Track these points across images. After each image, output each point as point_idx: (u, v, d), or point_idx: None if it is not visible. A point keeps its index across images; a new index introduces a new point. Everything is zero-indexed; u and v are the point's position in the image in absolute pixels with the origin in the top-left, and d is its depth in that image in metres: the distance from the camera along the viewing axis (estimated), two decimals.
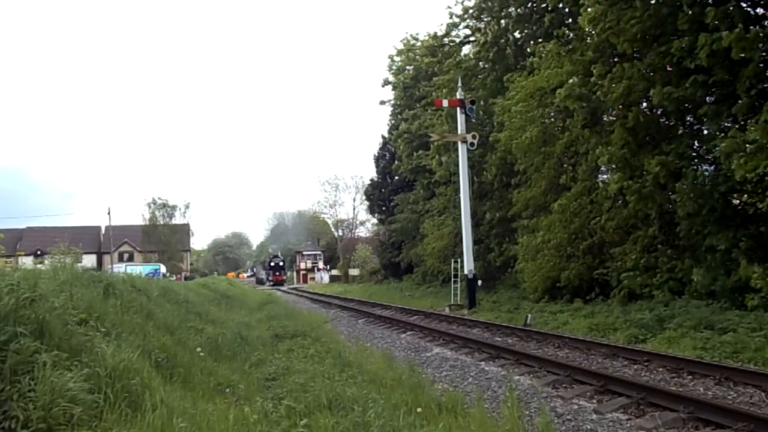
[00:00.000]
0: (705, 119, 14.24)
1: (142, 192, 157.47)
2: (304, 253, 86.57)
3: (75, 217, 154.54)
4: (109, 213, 61.30)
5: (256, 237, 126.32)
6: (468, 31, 30.49)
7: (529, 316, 15.70)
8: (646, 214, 15.96)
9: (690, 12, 13.67)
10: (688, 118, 15.58)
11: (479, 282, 23.16)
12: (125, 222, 70.78)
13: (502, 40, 24.34)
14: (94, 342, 5.62)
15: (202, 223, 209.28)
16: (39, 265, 11.47)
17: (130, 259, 67.80)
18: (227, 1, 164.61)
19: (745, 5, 13.15)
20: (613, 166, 16.87)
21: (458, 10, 29.62)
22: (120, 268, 40.38)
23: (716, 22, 12.55)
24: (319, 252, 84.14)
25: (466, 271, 21.85)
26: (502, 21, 24.50)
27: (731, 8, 12.55)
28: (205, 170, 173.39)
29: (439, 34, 32.04)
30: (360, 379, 7.49)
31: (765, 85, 12.71)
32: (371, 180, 53.76)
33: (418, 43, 38.29)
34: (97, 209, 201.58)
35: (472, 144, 22.59)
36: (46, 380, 4.37)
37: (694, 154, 15.46)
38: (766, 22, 13.33)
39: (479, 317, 18.06)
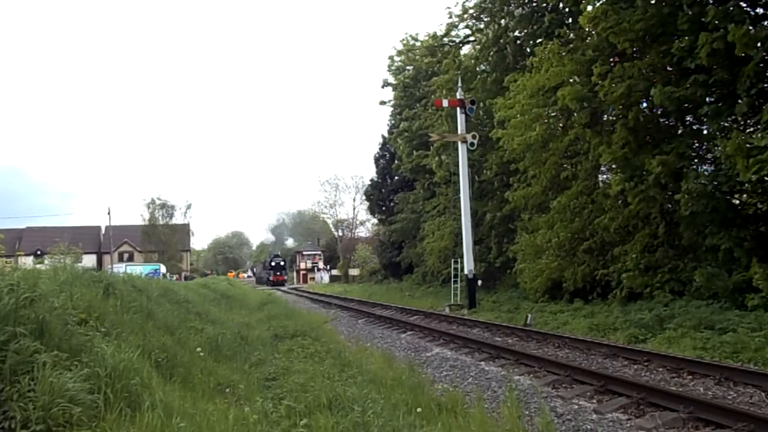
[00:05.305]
0: (705, 119, 14.24)
1: (142, 192, 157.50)
2: (304, 253, 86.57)
3: (75, 217, 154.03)
4: (109, 213, 61.49)
5: (256, 237, 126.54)
6: (468, 31, 30.55)
7: (529, 316, 15.70)
8: (647, 213, 15.95)
9: (690, 12, 13.68)
10: (688, 118, 15.58)
11: (479, 282, 23.16)
12: (125, 222, 70.94)
13: (502, 40, 24.33)
14: (94, 342, 5.61)
15: (202, 222, 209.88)
16: (39, 265, 11.42)
17: (130, 259, 67.84)
18: (228, 1, 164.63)
19: (744, 5, 13.15)
20: (614, 165, 16.85)
21: (458, 11, 29.70)
22: (120, 268, 40.37)
23: (716, 22, 12.55)
24: (319, 252, 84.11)
25: (466, 271, 21.83)
26: (502, 21, 24.49)
27: (731, 8, 12.55)
28: (205, 170, 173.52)
29: (439, 34, 32.12)
30: (360, 379, 7.47)
31: (765, 85, 12.71)
32: (371, 180, 53.72)
33: (418, 44, 38.33)
34: (96, 209, 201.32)
35: (472, 144, 22.60)
36: (46, 380, 4.37)
37: (695, 154, 15.47)
38: (766, 22, 13.32)
39: (479, 317, 18.05)
